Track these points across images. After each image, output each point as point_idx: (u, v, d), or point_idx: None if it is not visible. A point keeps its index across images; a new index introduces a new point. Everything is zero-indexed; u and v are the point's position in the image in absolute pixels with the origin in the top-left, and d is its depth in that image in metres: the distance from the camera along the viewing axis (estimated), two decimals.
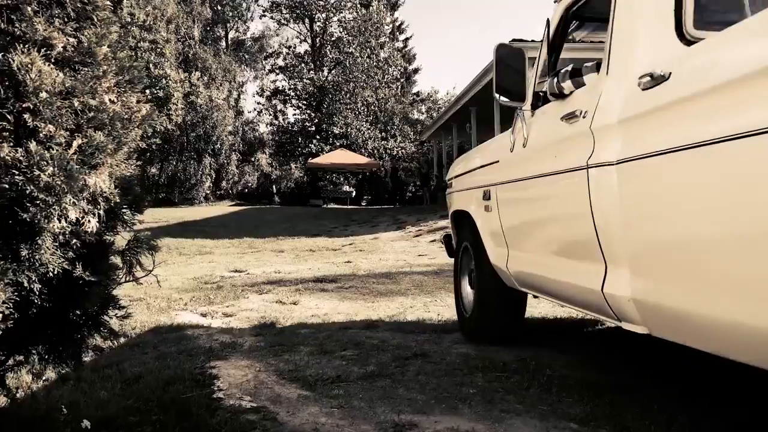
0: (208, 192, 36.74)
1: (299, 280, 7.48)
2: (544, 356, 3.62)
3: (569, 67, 2.65)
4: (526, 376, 3.17)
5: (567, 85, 2.66)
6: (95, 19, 1.90)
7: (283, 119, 40.46)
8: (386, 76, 38.47)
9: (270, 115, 40.79)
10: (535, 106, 3.09)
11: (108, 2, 2.01)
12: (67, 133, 1.68)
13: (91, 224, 1.67)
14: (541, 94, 3.02)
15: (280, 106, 40.34)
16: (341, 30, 38.73)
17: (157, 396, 2.85)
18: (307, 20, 40.07)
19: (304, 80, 38.98)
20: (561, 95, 2.73)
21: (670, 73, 1.92)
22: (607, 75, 2.39)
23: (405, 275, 7.79)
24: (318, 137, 37.47)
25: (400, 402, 2.82)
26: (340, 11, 38.60)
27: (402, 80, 41.75)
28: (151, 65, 30.14)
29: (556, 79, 2.74)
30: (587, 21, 2.84)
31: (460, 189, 4.41)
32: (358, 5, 37.64)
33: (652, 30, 2.21)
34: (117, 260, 1.93)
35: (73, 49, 1.79)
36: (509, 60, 3.19)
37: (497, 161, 3.54)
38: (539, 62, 3.17)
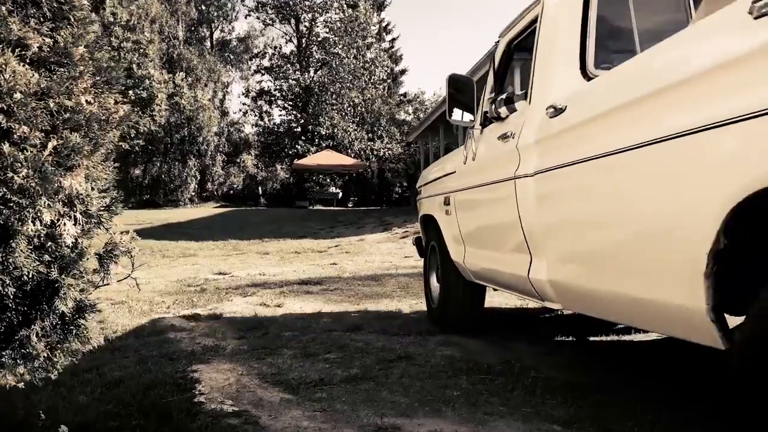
0: (193, 194, 36.58)
1: (284, 282, 7.46)
2: (529, 358, 3.63)
3: (505, 95, 3.17)
4: (511, 378, 3.18)
5: (503, 110, 3.18)
6: (72, 19, 1.88)
7: (269, 120, 40.35)
8: (373, 77, 38.44)
9: (255, 116, 40.68)
10: (483, 126, 3.60)
11: (85, 2, 2.00)
12: (42, 134, 1.66)
13: (67, 227, 1.66)
14: (488, 115, 3.46)
15: (265, 107, 40.21)
16: (327, 30, 38.66)
17: (138, 400, 2.83)
18: (292, 20, 39.97)
19: (290, 81, 38.88)
20: (499, 118, 3.26)
21: (566, 106, 2.49)
22: (529, 104, 2.93)
23: (391, 277, 7.79)
24: (304, 138, 37.38)
25: (384, 405, 2.82)
26: (326, 11, 38.55)
27: (389, 81, 41.68)
28: (134, 66, 29.94)
29: (494, 105, 3.25)
30: (528, 51, 3.25)
31: (427, 195, 4.96)
32: (345, 6, 37.59)
33: (563, 68, 2.75)
34: (94, 263, 1.91)
35: (48, 49, 1.78)
36: (461, 87, 3.73)
37: (454, 172, 4.12)
38: (487, 88, 3.66)
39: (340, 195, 35.26)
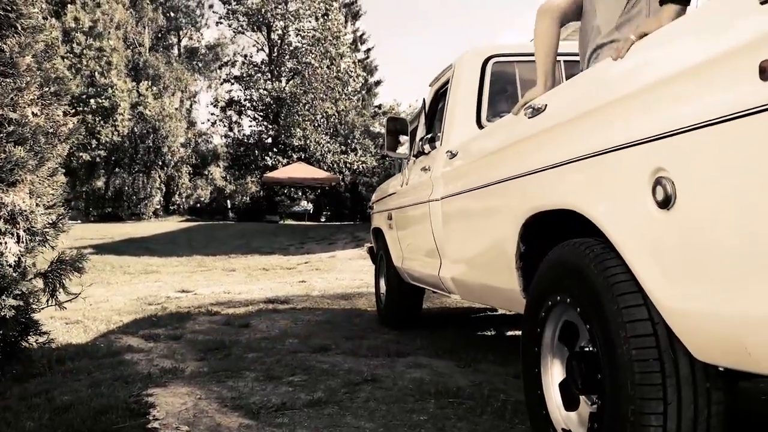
0: (158, 207, 36.27)
1: (250, 301, 7.41)
2: (499, 380, 3.65)
3: (430, 135, 4.17)
4: (480, 402, 3.18)
5: (427, 147, 4.13)
6: (19, 28, 1.87)
7: (239, 131, 40.08)
8: (347, 88, 38.46)
9: (225, 126, 40.37)
10: (416, 157, 4.48)
11: (35, 10, 1.98)
12: None
13: (9, 245, 1.63)
14: (419, 149, 4.33)
15: (235, 117, 39.91)
16: (300, 39, 38.62)
17: (88, 427, 2.79)
18: (264, 28, 39.89)
19: (261, 90, 38.72)
20: (424, 153, 4.20)
21: (458, 152, 3.48)
22: (441, 146, 3.89)
23: (361, 296, 7.78)
24: (275, 150, 37.21)
25: (347, 430, 2.80)
26: (299, 20, 38.52)
27: (363, 92, 41.79)
28: (96, 74, 29.67)
29: (422, 142, 4.21)
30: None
31: (377, 211, 5.99)
32: (318, 15, 37.62)
33: (463, 119, 3.78)
34: (39, 283, 1.88)
35: None
36: (398, 125, 4.74)
37: (395, 193, 5.12)
38: (420, 126, 4.55)
39: (312, 209, 35.15)
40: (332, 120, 38.23)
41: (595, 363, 1.81)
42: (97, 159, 30.63)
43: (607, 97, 1.84)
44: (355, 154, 37.83)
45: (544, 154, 2.21)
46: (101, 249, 15.44)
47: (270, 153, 36.97)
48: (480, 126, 3.71)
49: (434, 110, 4.55)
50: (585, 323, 1.86)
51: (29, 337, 1.85)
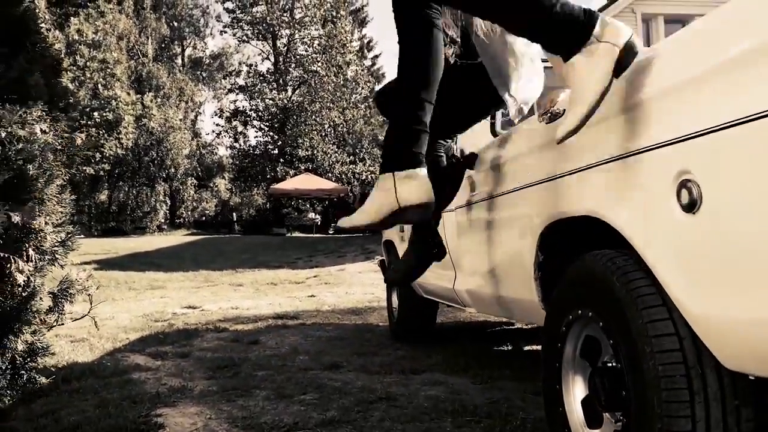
0: (162, 220, 36.41)
1: (258, 316, 7.41)
2: (517, 397, 3.63)
3: None
4: (498, 420, 3.16)
5: None
6: (27, 45, 1.89)
7: (244, 142, 40.28)
8: (354, 96, 38.59)
9: (230, 137, 40.56)
10: None
11: (43, 25, 2.00)
12: None
13: (18, 264, 1.64)
14: None
15: (240, 128, 40.12)
16: (306, 47, 38.82)
17: None
18: (269, 37, 40.15)
19: (267, 100, 38.91)
20: None
21: None
22: None
23: (373, 311, 7.77)
24: (281, 161, 37.36)
25: None
26: (304, 27, 38.73)
27: (370, 100, 41.90)
28: (99, 86, 29.89)
29: None
30: None
31: None
32: (325, 21, 37.83)
33: (476, 126, 3.60)
34: (48, 302, 1.89)
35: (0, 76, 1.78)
36: None
37: None
38: None
39: (320, 221, 35.18)
40: (339, 129, 38.33)
41: (620, 379, 1.80)
42: (101, 173, 30.80)
43: (628, 100, 1.83)
44: (364, 164, 37.89)
45: (563, 160, 2.23)
46: (106, 264, 15.51)
47: (276, 164, 37.11)
48: (494, 134, 3.73)
49: None
50: (608, 338, 1.84)
51: (38, 358, 1.87)
